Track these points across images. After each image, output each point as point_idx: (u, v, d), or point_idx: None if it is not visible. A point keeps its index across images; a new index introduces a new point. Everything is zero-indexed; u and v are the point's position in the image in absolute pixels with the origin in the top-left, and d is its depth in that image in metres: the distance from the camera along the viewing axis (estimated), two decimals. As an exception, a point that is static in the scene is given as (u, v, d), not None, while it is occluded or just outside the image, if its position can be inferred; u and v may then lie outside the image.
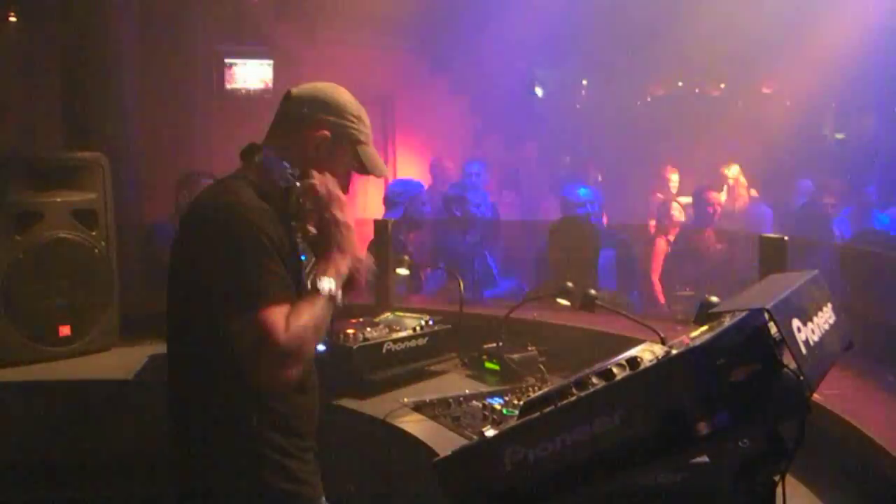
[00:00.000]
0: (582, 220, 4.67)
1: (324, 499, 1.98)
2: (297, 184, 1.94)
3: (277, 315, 1.75)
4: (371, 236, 3.69)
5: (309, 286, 1.86)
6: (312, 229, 1.97)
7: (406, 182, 5.18)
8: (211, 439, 1.91)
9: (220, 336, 1.78)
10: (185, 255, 1.91)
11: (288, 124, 2.03)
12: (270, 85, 6.94)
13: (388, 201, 4.95)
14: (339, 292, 1.88)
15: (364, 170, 2.09)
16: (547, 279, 4.35)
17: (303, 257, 2.06)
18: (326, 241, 1.94)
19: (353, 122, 2.04)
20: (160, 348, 3.28)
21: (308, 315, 1.79)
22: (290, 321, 1.76)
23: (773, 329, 1.17)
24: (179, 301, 1.94)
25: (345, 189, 2.08)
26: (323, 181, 1.96)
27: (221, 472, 1.89)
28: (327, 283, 1.86)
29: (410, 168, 7.42)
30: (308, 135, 1.99)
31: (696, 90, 9.14)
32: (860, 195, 5.90)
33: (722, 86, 8.90)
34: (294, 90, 2.05)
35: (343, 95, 2.07)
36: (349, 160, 2.06)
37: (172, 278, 1.95)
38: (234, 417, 1.87)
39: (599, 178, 7.38)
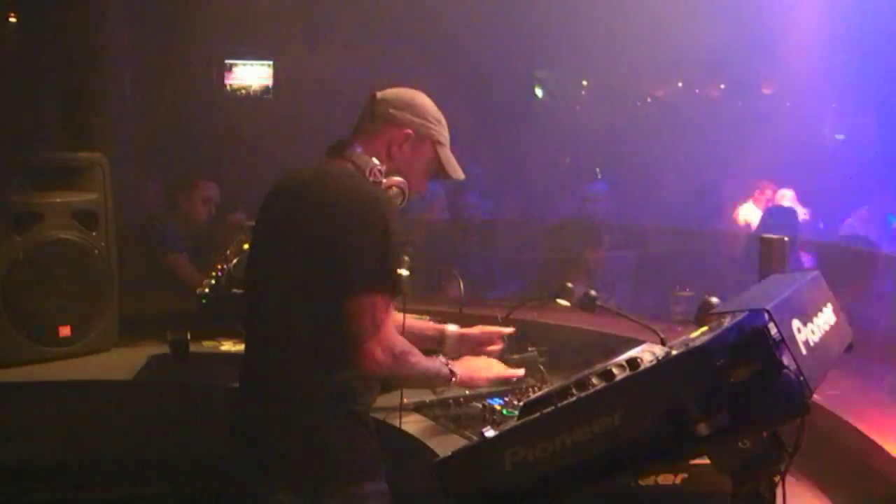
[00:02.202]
0: (582, 222, 4.65)
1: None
2: (383, 179, 2.11)
3: (387, 309, 1.97)
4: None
5: (448, 363, 2.24)
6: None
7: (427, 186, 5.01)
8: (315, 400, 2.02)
9: (327, 312, 1.95)
10: (299, 235, 2.02)
11: (374, 123, 2.18)
12: (271, 85, 6.95)
13: (407, 206, 4.81)
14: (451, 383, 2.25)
15: (441, 170, 2.25)
16: (543, 280, 4.34)
17: None
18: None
19: (433, 123, 2.21)
20: (160, 348, 3.31)
21: (420, 366, 2.12)
22: (405, 348, 2.03)
23: (774, 330, 1.17)
24: (293, 276, 2.02)
25: (422, 188, 2.28)
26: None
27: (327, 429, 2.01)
28: (458, 370, 2.25)
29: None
30: (393, 132, 2.15)
31: (696, 90, 9.14)
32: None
33: (722, 86, 8.90)
34: (379, 93, 2.21)
35: (424, 99, 2.24)
36: (429, 160, 2.22)
37: (283, 252, 2.06)
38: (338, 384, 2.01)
39: (599, 176, 7.38)
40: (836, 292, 1.46)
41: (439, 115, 2.23)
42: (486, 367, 2.42)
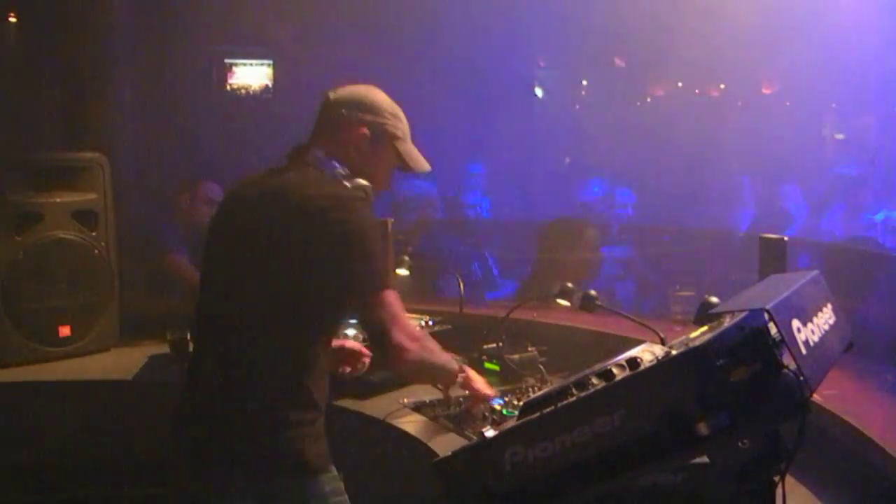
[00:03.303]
0: (576, 222, 4.65)
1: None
2: (347, 183, 2.08)
3: (397, 301, 1.99)
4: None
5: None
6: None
7: (420, 186, 4.94)
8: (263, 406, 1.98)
9: (306, 319, 1.97)
10: (282, 240, 1.97)
11: (329, 126, 2.15)
12: (271, 85, 6.95)
13: (400, 207, 4.75)
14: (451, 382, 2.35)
15: (405, 166, 2.22)
16: (536, 280, 4.37)
17: None
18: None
19: (389, 119, 2.17)
20: (160, 348, 3.31)
21: (437, 353, 2.17)
22: (421, 334, 2.08)
23: (773, 329, 1.17)
24: (258, 282, 1.99)
25: (387, 185, 2.25)
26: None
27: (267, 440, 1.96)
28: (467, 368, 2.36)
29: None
30: (348, 134, 2.12)
31: (696, 90, 9.13)
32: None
33: (722, 86, 8.89)
34: (331, 94, 2.18)
35: (378, 95, 2.19)
36: (390, 157, 2.19)
37: (246, 258, 2.02)
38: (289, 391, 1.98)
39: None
40: (836, 292, 1.46)
41: (395, 109, 2.19)
42: (483, 381, 2.47)
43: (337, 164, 2.08)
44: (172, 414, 2.12)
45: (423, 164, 2.25)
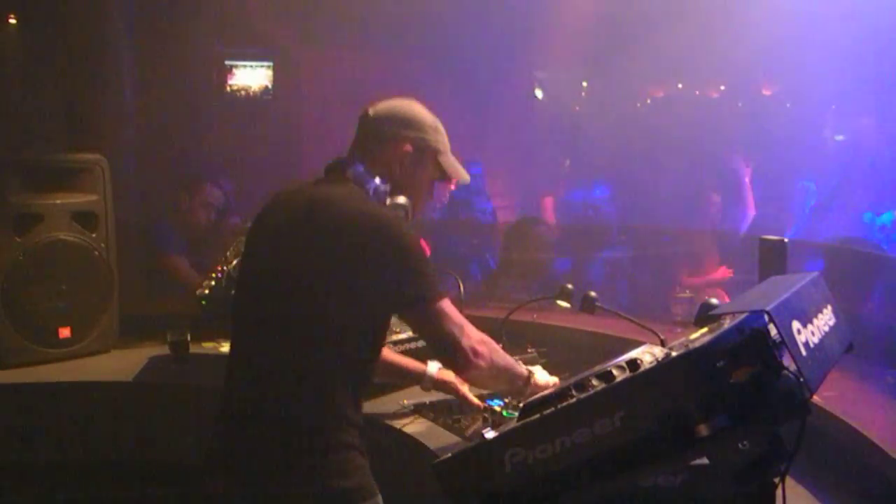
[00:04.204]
0: (529, 221, 4.66)
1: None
2: (388, 200, 2.09)
3: (454, 308, 2.01)
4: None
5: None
6: None
7: None
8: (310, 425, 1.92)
9: (350, 333, 1.90)
10: (324, 256, 1.92)
11: (371, 143, 2.12)
12: (270, 87, 6.95)
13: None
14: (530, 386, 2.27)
15: (446, 177, 2.22)
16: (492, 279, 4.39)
17: None
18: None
19: (431, 133, 2.16)
20: (160, 349, 3.31)
21: (506, 358, 2.20)
22: (489, 339, 2.07)
23: (774, 331, 1.17)
24: (295, 297, 1.93)
25: (430, 197, 2.26)
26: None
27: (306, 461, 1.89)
28: (540, 373, 2.34)
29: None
30: (392, 151, 2.11)
31: (696, 92, 9.13)
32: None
33: (722, 87, 8.89)
34: (371, 110, 2.15)
35: (419, 109, 2.18)
36: (432, 171, 2.19)
37: (283, 274, 1.96)
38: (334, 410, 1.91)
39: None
40: (836, 294, 1.46)
41: (436, 122, 2.18)
42: (545, 374, 2.45)
43: (378, 180, 2.06)
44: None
45: (464, 175, 2.25)
